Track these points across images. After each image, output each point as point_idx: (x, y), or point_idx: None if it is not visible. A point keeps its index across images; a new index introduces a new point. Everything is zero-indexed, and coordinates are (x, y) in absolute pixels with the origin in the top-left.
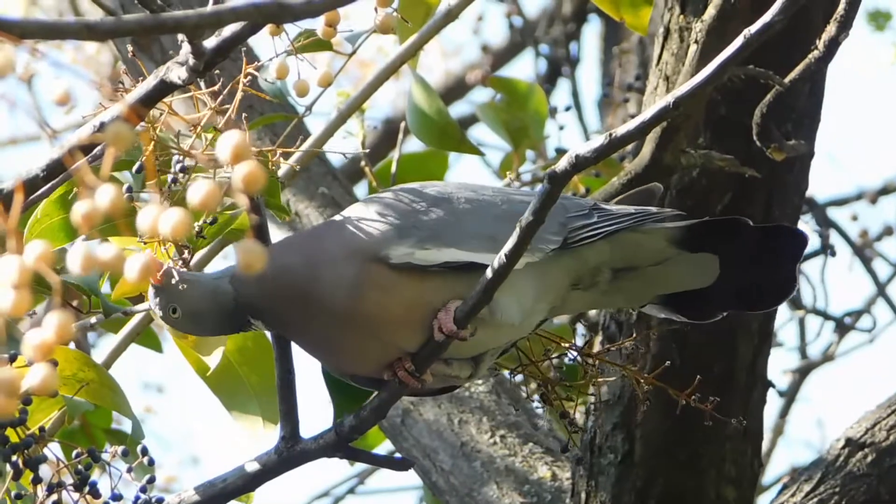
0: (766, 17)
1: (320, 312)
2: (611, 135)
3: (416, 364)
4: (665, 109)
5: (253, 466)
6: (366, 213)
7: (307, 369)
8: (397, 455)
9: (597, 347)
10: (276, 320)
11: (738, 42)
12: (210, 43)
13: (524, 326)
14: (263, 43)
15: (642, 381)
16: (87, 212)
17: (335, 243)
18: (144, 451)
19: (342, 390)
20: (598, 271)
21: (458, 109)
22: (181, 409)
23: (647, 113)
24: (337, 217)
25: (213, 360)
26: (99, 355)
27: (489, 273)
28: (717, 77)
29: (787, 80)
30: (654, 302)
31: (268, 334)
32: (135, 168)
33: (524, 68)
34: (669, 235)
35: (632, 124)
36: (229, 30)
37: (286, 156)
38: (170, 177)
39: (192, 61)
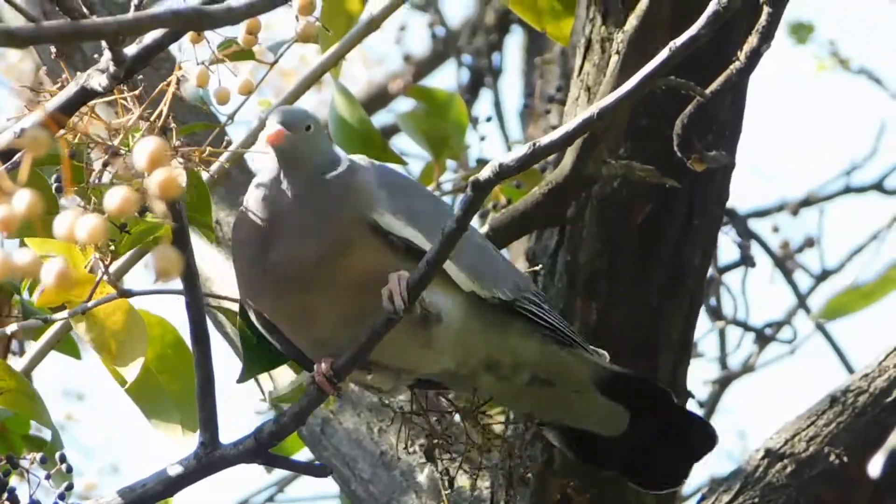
0: (692, 31)
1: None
2: (534, 144)
3: (335, 371)
4: (589, 121)
5: (172, 471)
6: (372, 169)
7: (227, 376)
8: (316, 462)
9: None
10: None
11: (663, 55)
12: (131, 50)
13: (448, 359)
14: (186, 51)
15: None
16: (5, 217)
17: (343, 190)
18: (63, 459)
19: (254, 349)
20: (518, 368)
21: (380, 119)
22: (102, 417)
23: (571, 124)
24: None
25: (130, 372)
26: (19, 362)
27: (422, 267)
28: (641, 89)
29: (708, 91)
30: (555, 427)
31: (188, 342)
32: (53, 179)
33: (447, 78)
34: (595, 373)
35: (555, 135)
36: (150, 37)
37: (208, 163)
38: (92, 180)
39: (112, 68)
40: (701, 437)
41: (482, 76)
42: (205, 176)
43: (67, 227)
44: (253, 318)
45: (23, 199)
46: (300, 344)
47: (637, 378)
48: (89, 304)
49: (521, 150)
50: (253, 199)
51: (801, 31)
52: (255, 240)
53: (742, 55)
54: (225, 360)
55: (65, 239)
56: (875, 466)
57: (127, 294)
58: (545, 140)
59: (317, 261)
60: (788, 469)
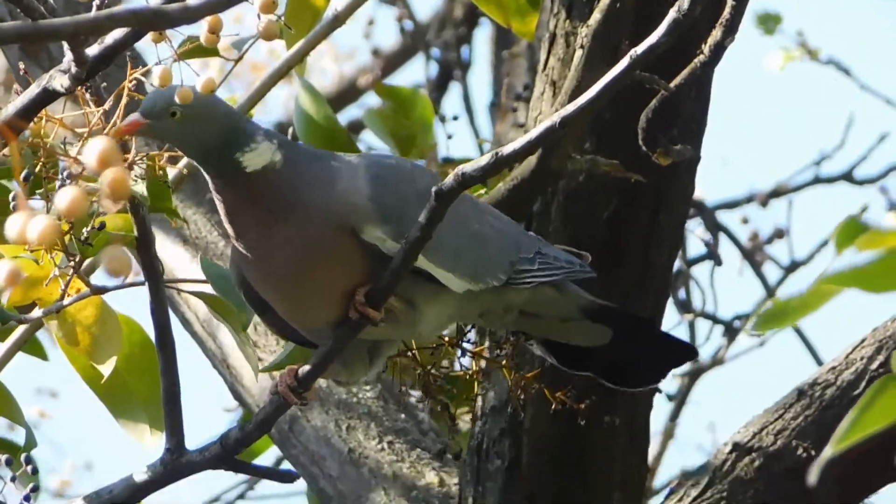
0: (652, 39)
1: (270, 244)
2: (496, 154)
3: (299, 380)
4: (551, 129)
5: (139, 478)
6: (360, 174)
7: (192, 382)
8: (283, 467)
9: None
10: (235, 209)
11: (623, 63)
12: (93, 51)
13: (429, 336)
14: (152, 49)
15: (522, 382)
16: None
17: (319, 194)
18: (28, 460)
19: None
20: (508, 310)
21: (350, 113)
22: (75, 414)
23: (533, 133)
24: (339, 163)
25: (106, 368)
26: None
27: (386, 276)
28: (602, 98)
29: (672, 84)
30: (538, 340)
31: (153, 339)
32: (22, 176)
33: (416, 72)
34: (581, 305)
35: (517, 143)
36: (112, 37)
37: (174, 161)
38: (58, 183)
39: (74, 69)
40: (682, 351)
41: (451, 70)
42: (172, 174)
43: (18, 229)
44: (244, 299)
45: None
46: (297, 327)
47: (622, 311)
48: (64, 302)
49: (483, 160)
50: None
51: (769, 22)
52: (233, 243)
53: (706, 48)
54: (191, 361)
55: (17, 241)
56: (811, 476)
57: (100, 290)
58: (507, 149)
59: (289, 266)
60: (756, 463)
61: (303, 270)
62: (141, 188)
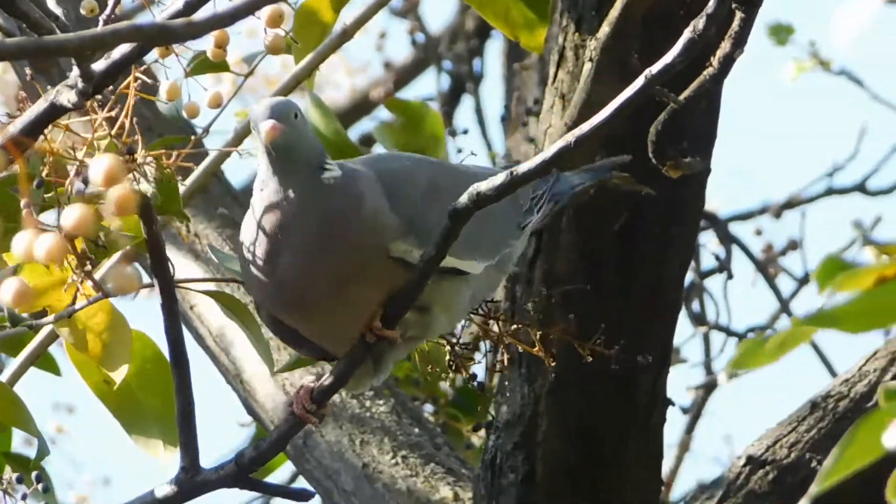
0: (668, 59)
1: (314, 262)
2: (512, 173)
3: (315, 399)
4: (566, 148)
5: (151, 496)
6: (378, 188)
7: (207, 400)
8: (298, 481)
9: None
10: (287, 223)
11: (639, 82)
12: (99, 66)
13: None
14: (163, 63)
15: (550, 336)
16: None
17: (357, 210)
18: (39, 479)
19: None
20: None
21: (364, 126)
22: (93, 429)
23: (548, 152)
24: (356, 174)
25: (118, 376)
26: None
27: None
28: (618, 116)
29: (682, 97)
30: None
31: (165, 355)
32: (35, 183)
33: (428, 85)
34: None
35: (533, 162)
36: (118, 52)
37: (184, 173)
38: (76, 186)
39: (80, 84)
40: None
41: (463, 82)
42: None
43: (25, 246)
44: (260, 320)
45: None
46: (318, 342)
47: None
48: (75, 307)
49: (499, 178)
50: (256, 205)
51: (781, 33)
52: (261, 251)
53: (715, 61)
54: (203, 376)
55: (24, 258)
56: None
57: (110, 294)
58: (523, 168)
59: (326, 288)
60: (770, 476)
61: (345, 292)
62: (149, 187)
